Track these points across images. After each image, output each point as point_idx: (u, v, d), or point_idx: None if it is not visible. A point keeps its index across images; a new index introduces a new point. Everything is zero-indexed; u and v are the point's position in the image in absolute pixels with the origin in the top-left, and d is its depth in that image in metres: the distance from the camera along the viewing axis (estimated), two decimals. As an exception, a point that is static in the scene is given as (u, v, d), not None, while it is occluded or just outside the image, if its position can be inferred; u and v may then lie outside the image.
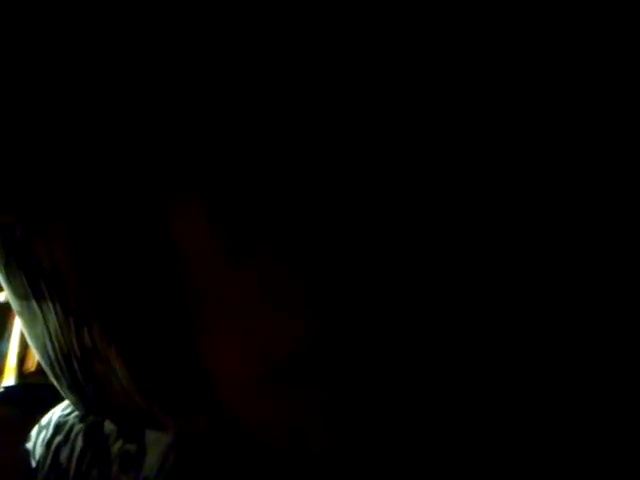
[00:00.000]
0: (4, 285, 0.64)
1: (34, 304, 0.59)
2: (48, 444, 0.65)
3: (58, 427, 0.66)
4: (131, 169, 0.45)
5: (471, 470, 0.39)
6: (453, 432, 0.39)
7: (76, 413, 0.66)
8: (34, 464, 0.66)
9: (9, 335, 1.19)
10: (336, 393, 0.41)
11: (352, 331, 0.39)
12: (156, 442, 0.53)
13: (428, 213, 0.37)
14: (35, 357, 1.13)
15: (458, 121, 0.36)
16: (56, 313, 0.56)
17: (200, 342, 0.45)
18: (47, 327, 0.59)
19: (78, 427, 0.63)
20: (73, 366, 0.58)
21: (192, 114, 0.41)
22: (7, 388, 1.16)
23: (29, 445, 0.69)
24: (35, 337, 0.64)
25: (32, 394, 1.04)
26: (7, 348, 1.18)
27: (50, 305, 0.56)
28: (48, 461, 0.64)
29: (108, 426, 0.59)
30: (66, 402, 0.69)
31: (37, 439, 0.68)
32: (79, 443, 0.61)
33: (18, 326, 1.17)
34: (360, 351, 0.39)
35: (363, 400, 0.40)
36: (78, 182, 0.49)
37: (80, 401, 0.63)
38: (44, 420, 0.70)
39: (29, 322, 0.63)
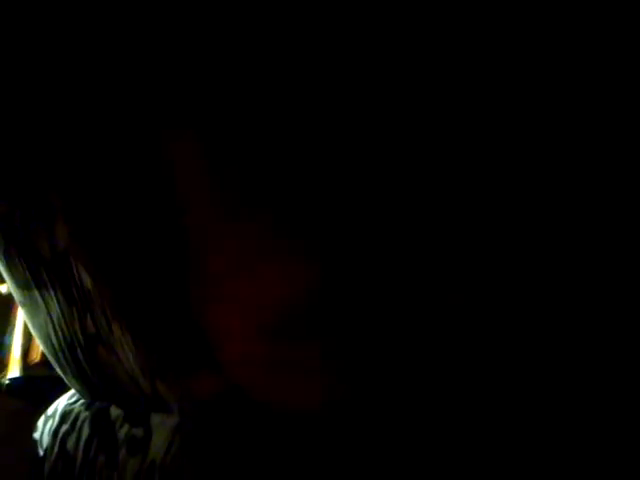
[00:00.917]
0: (5, 275, 0.64)
1: (36, 293, 0.59)
2: (55, 433, 0.66)
3: (64, 416, 0.66)
4: (130, 135, 0.45)
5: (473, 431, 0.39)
6: (455, 400, 0.39)
7: (82, 401, 0.66)
8: (41, 453, 0.66)
9: (13, 327, 1.19)
10: (338, 349, 0.40)
11: (354, 285, 0.39)
12: (161, 425, 0.53)
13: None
14: (39, 348, 1.14)
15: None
16: (58, 301, 0.56)
17: (201, 300, 0.44)
18: (50, 316, 0.59)
19: (84, 415, 0.63)
20: (77, 354, 0.59)
21: (193, 63, 0.41)
22: (12, 380, 1.16)
23: (36, 435, 0.69)
24: (38, 327, 0.64)
25: (37, 385, 1.05)
26: (11, 340, 1.19)
27: (52, 293, 0.56)
28: (55, 450, 0.64)
29: (114, 412, 0.60)
30: (71, 391, 0.69)
31: (44, 429, 0.68)
32: (85, 431, 0.61)
33: (21, 317, 1.17)
34: (361, 305, 0.39)
35: (364, 357, 0.40)
36: (73, 161, 0.49)
37: (85, 389, 0.63)
38: (50, 410, 0.70)
39: (32, 312, 0.63)
